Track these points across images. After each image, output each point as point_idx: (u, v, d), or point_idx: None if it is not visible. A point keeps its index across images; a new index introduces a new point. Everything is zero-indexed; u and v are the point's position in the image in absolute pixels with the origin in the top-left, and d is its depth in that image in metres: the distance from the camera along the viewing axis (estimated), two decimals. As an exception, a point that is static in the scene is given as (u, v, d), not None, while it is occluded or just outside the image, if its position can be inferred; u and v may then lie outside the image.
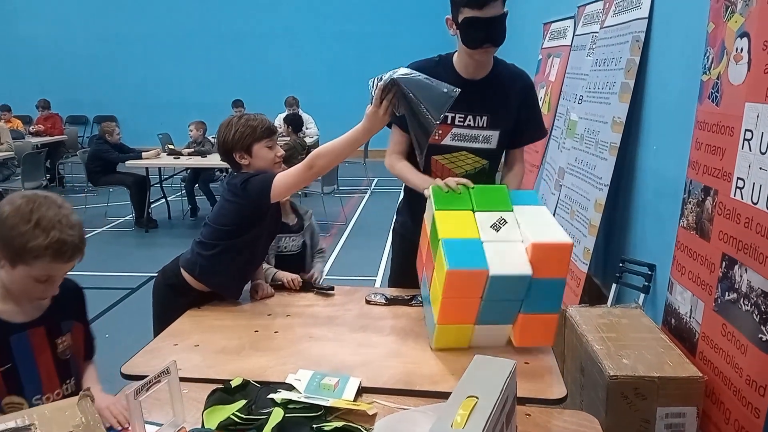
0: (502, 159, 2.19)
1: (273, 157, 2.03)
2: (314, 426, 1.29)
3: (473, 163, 2.05)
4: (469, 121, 1.99)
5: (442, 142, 2.03)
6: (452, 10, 1.85)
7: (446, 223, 1.61)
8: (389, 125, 2.05)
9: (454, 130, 2.00)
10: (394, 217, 2.37)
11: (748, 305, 1.81)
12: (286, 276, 2.25)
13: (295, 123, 6.82)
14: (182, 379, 1.35)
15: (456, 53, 1.99)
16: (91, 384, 1.48)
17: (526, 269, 1.53)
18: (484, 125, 2.00)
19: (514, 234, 1.63)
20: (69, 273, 1.39)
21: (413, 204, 2.11)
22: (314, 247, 2.55)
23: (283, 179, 1.86)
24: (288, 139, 6.72)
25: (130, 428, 1.21)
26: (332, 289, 2.17)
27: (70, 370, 1.44)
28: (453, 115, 1.98)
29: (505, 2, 1.82)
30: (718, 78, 2.13)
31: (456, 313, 1.58)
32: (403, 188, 2.25)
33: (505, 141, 2.07)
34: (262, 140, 2.00)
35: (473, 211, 1.69)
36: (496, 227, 1.60)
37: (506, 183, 2.06)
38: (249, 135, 1.99)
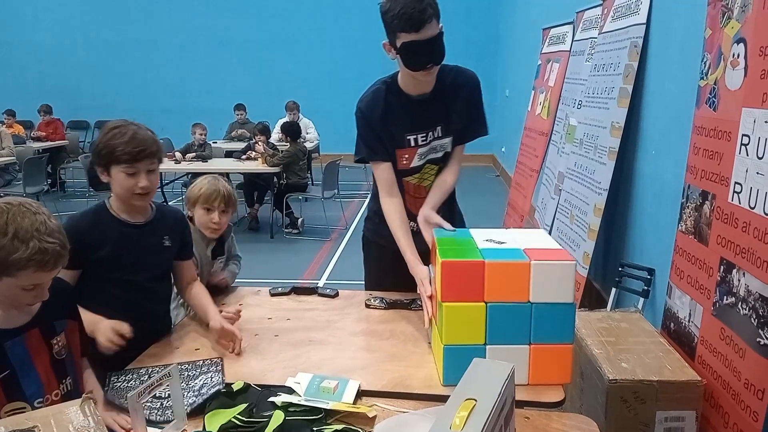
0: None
1: (131, 187, 1.64)
2: (315, 429, 1.30)
3: (436, 171, 2.08)
4: (429, 137, 2.01)
5: (411, 165, 2.04)
6: (388, 35, 1.84)
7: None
8: (363, 162, 2.04)
9: (419, 150, 2.02)
10: (363, 224, 2.31)
11: (746, 309, 1.82)
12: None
13: (292, 132, 6.68)
14: (183, 383, 1.37)
15: (399, 74, 1.98)
16: (94, 390, 1.48)
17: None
18: (440, 134, 2.02)
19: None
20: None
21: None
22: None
23: None
24: (288, 146, 6.70)
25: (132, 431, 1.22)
26: (337, 294, 2.17)
27: (66, 369, 1.44)
28: (414, 137, 1.99)
29: (440, 19, 1.80)
30: (715, 83, 2.15)
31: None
32: (371, 194, 2.23)
33: (456, 140, 2.09)
34: (121, 164, 1.63)
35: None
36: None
37: (442, 181, 2.03)
38: (108, 154, 1.63)
